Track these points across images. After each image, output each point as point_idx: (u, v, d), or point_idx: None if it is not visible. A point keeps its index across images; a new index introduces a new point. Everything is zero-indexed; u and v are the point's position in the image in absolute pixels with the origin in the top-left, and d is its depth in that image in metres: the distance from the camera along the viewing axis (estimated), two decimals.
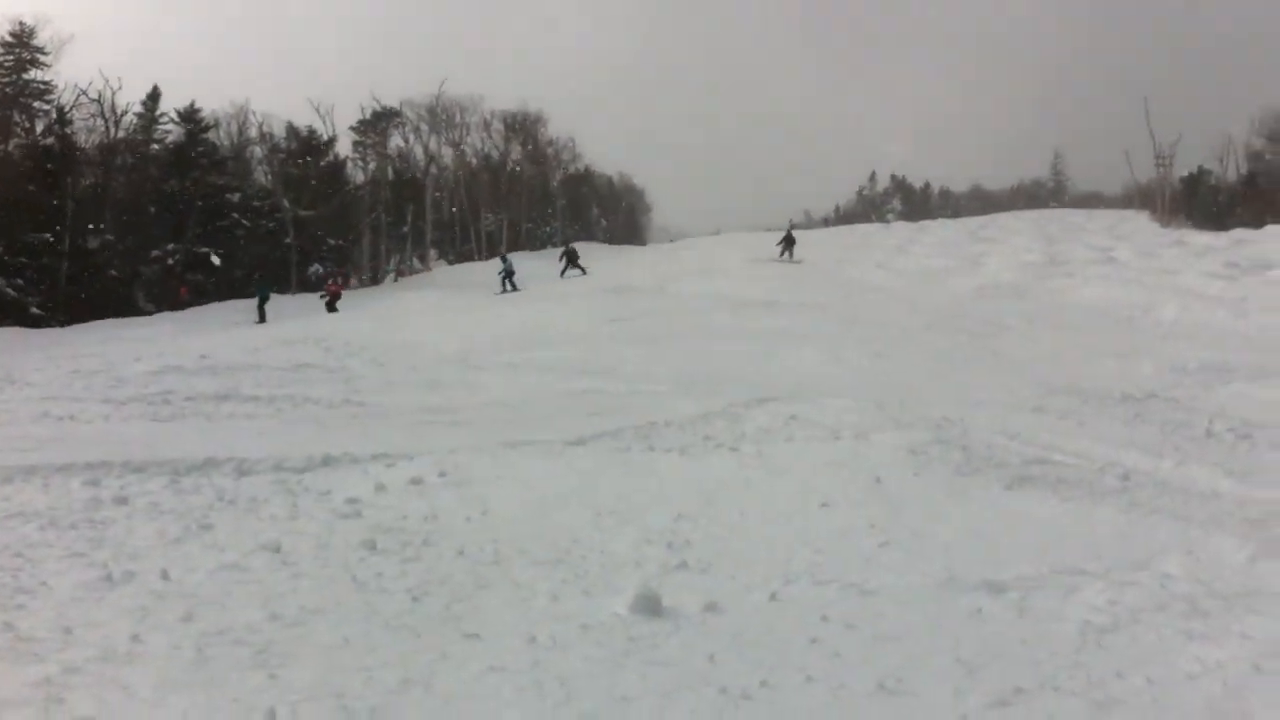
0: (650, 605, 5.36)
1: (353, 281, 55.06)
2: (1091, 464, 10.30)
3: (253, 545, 6.45)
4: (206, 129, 51.65)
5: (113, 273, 43.37)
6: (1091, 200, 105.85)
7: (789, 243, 47.47)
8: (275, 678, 4.33)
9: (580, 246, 58.16)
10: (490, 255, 62.65)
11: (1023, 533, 7.10)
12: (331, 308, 36.42)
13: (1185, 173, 73.98)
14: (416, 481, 8.69)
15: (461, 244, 69.41)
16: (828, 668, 4.62)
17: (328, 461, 9.39)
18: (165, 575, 5.66)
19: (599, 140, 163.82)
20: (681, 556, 6.58)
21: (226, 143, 56.23)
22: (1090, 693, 4.34)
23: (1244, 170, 69.68)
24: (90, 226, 44.16)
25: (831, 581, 5.98)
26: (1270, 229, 50.48)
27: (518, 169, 77.16)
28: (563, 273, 44.38)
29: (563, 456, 10.05)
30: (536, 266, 46.35)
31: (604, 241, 79.05)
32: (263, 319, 34.50)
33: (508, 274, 40.13)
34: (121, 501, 7.51)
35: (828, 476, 9.01)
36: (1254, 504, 8.50)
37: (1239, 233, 51.39)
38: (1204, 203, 68.96)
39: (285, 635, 4.87)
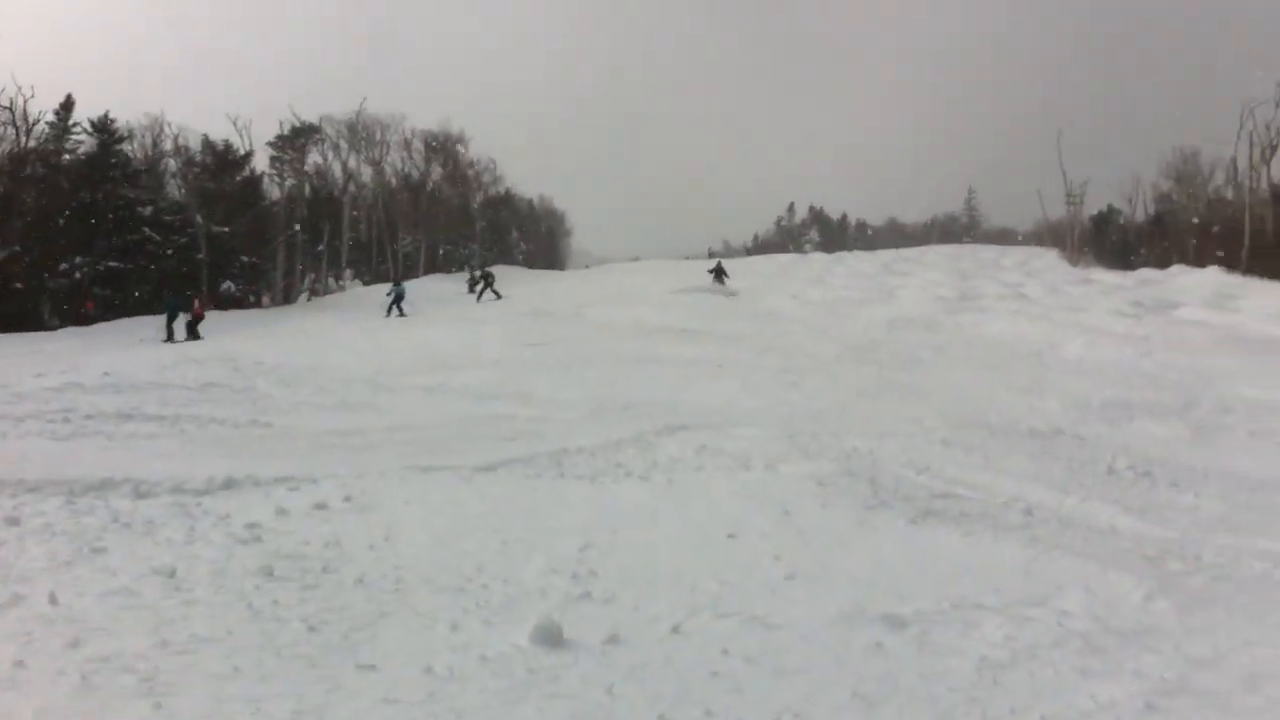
0: (551, 636, 5.30)
1: (265, 300, 54.31)
2: (996, 499, 10.43)
3: (146, 570, 6.27)
4: (120, 140, 50.69)
5: (18, 285, 42.30)
6: (1004, 236, 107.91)
7: (719, 273, 47.55)
8: (160, 707, 4.20)
9: (499, 270, 57.96)
10: (409, 276, 62.27)
11: (926, 567, 7.14)
12: (193, 331, 34.60)
13: (1095, 211, 75.69)
14: (320, 506, 8.53)
15: (378, 264, 68.78)
16: (727, 702, 4.59)
17: (229, 484, 9.21)
18: (53, 599, 5.48)
19: (520, 163, 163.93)
20: (586, 587, 6.53)
21: (140, 155, 55.23)
22: None
23: (1151, 211, 71.38)
24: None
25: (735, 614, 5.96)
26: (1175, 269, 51.81)
27: (438, 190, 76.75)
28: (478, 297, 44.25)
29: (471, 483, 9.95)
30: (454, 288, 46.07)
31: (523, 265, 78.86)
32: (171, 337, 33.83)
33: (397, 299, 40.14)
34: (13, 522, 7.29)
35: (736, 507, 9.02)
36: (1151, 541, 8.65)
37: (1145, 272, 52.71)
38: (1112, 242, 70.50)
39: (174, 663, 4.73)
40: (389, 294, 40.84)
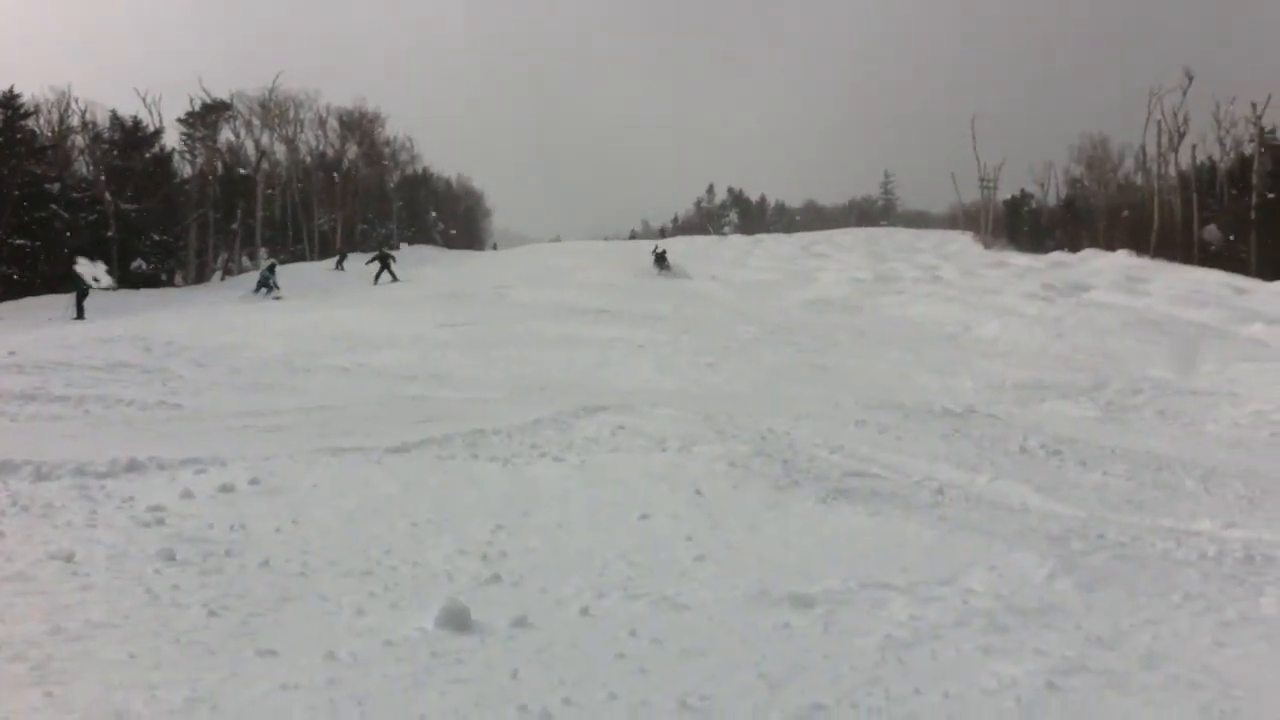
0: (457, 620, 5.24)
1: (178, 279, 53.30)
2: (908, 478, 10.55)
3: (43, 554, 6.10)
4: (25, 115, 49.25)
5: None
6: (919, 219, 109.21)
7: (662, 259, 47.06)
8: (51, 696, 4.08)
9: (419, 250, 57.46)
10: (325, 254, 61.43)
11: (835, 547, 7.18)
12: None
13: (1008, 195, 76.73)
14: (226, 489, 8.39)
15: (294, 243, 67.78)
16: (633, 684, 4.58)
17: (133, 467, 9.02)
18: None
19: (438, 143, 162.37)
20: (495, 569, 6.48)
21: (47, 131, 53.87)
22: (889, 709, 4.39)
23: (1063, 196, 72.51)
24: None
25: (644, 595, 5.95)
26: (1086, 253, 52.78)
27: (354, 168, 75.82)
28: (375, 278, 43.83)
29: (383, 464, 9.84)
30: (364, 269, 45.62)
31: (442, 245, 78.23)
32: (81, 315, 33.11)
33: (263, 281, 40.52)
34: None
35: (649, 488, 9.02)
36: (1057, 520, 8.79)
37: (1057, 256, 53.64)
38: (1025, 225, 71.57)
39: (67, 650, 4.61)
40: (261, 273, 41.96)
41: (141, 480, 8.64)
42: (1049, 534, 7.82)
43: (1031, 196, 76.61)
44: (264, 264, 46.42)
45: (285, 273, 44.43)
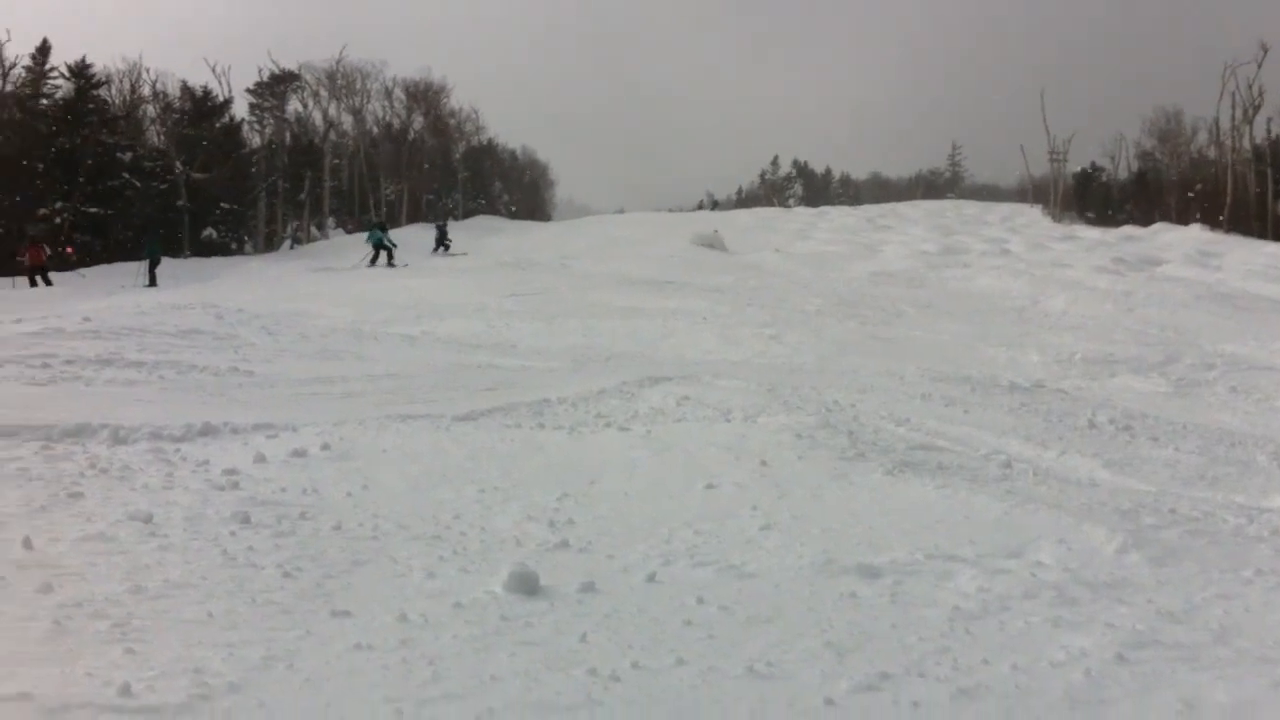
0: (526, 584, 5.31)
1: (248, 247, 53.98)
2: (975, 451, 10.48)
3: (122, 515, 6.24)
4: (98, 85, 50.04)
5: None
6: (987, 192, 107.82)
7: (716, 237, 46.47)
8: (133, 652, 4.19)
9: (483, 220, 57.68)
10: (392, 225, 61.96)
11: (901, 518, 7.16)
12: (34, 281, 32.91)
13: (1079, 169, 75.65)
14: (299, 454, 8.51)
15: (361, 213, 68.38)
16: (700, 650, 4.61)
17: (208, 431, 9.17)
18: (28, 544, 5.46)
19: (503, 114, 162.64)
20: (563, 535, 6.54)
21: (119, 100, 54.64)
22: (956, 679, 4.38)
23: (1135, 169, 71.36)
24: None
25: (711, 563, 5.98)
26: (1158, 227, 51.98)
27: (420, 139, 76.21)
28: (434, 249, 43.87)
29: (450, 431, 9.94)
30: (431, 239, 45.85)
31: (507, 216, 78.49)
32: (153, 282, 33.67)
33: (383, 246, 39.42)
34: None
35: (715, 458, 9.03)
36: (1127, 494, 8.70)
37: (1128, 229, 52.89)
38: (1095, 199, 70.54)
39: (147, 609, 4.72)
40: (371, 241, 40.45)
41: (216, 444, 8.79)
42: (1119, 508, 7.74)
43: (1102, 170, 75.53)
44: (438, 223, 46.68)
45: (353, 242, 44.80)
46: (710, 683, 4.29)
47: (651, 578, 5.68)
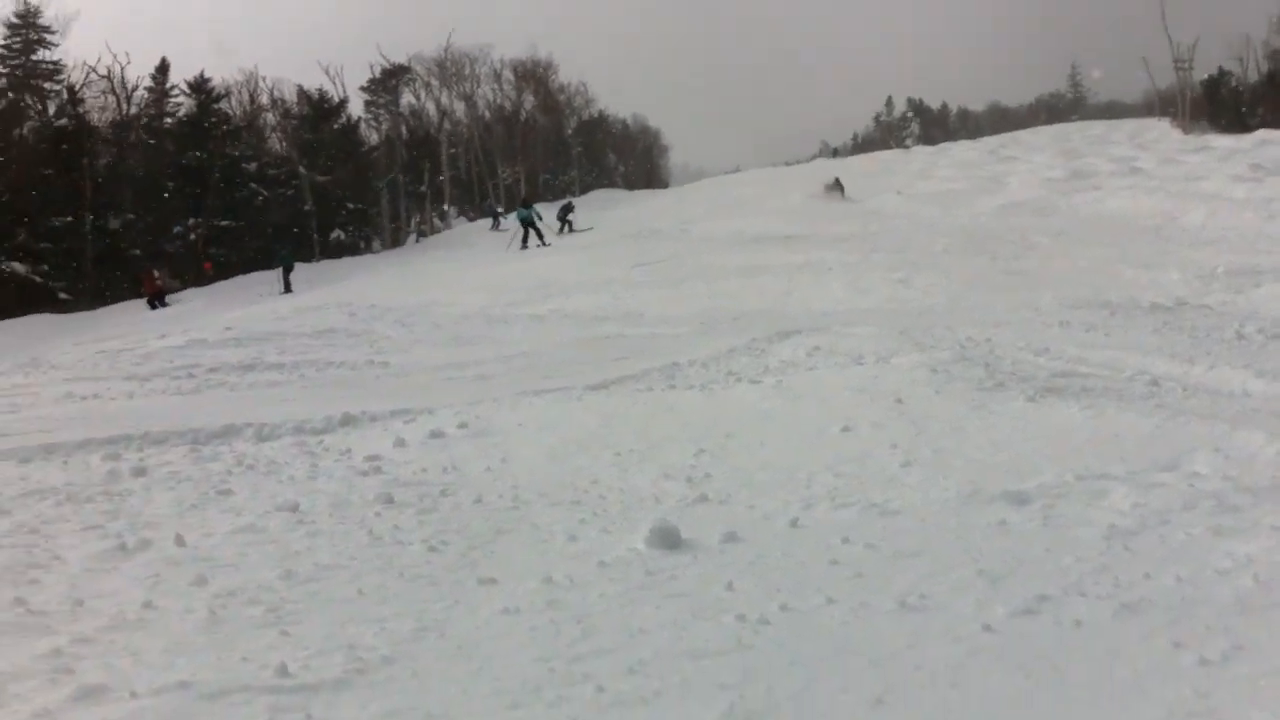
0: (668, 538, 5.29)
1: (375, 245, 54.91)
2: (1119, 373, 10.15)
3: (270, 507, 6.40)
4: (218, 99, 51.29)
5: (136, 252, 43.32)
6: (1112, 110, 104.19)
7: (837, 185, 43.82)
8: (287, 634, 4.28)
9: (600, 194, 57.78)
10: (510, 209, 62.41)
11: (1046, 443, 6.98)
12: (153, 305, 34.22)
13: (1205, 76, 72.74)
14: (436, 435, 8.64)
15: (480, 199, 69.10)
16: (848, 588, 4.54)
17: (348, 421, 9.36)
18: (180, 541, 5.61)
19: (611, 84, 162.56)
20: (701, 490, 6.52)
21: (239, 111, 55.89)
22: (1118, 595, 4.25)
23: (1264, 70, 68.37)
24: (110, 206, 44.14)
25: (853, 504, 5.90)
26: None
27: (531, 119, 76.65)
28: (560, 230, 43.71)
29: (583, 400, 9.99)
30: (550, 216, 46.08)
31: (623, 187, 78.54)
32: (288, 288, 34.45)
33: (532, 224, 38.44)
34: (140, 473, 7.47)
35: (849, 400, 8.92)
36: None
37: (1263, 134, 50.58)
38: (1226, 105, 67.80)
39: (299, 593, 4.82)
40: (559, 215, 41.82)
41: (357, 433, 8.96)
42: (1274, 412, 7.44)
43: (1231, 74, 72.33)
44: (561, 203, 47.24)
45: (475, 229, 45.26)
46: (862, 619, 4.23)
47: (794, 523, 5.63)
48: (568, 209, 45.13)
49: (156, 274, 36.60)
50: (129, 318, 30.73)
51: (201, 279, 41.42)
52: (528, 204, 39.95)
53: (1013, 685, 3.60)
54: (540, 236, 37.36)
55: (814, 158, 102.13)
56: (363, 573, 5.10)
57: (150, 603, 4.69)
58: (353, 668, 3.92)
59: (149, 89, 51.38)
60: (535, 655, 4.01)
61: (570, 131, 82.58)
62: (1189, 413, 7.55)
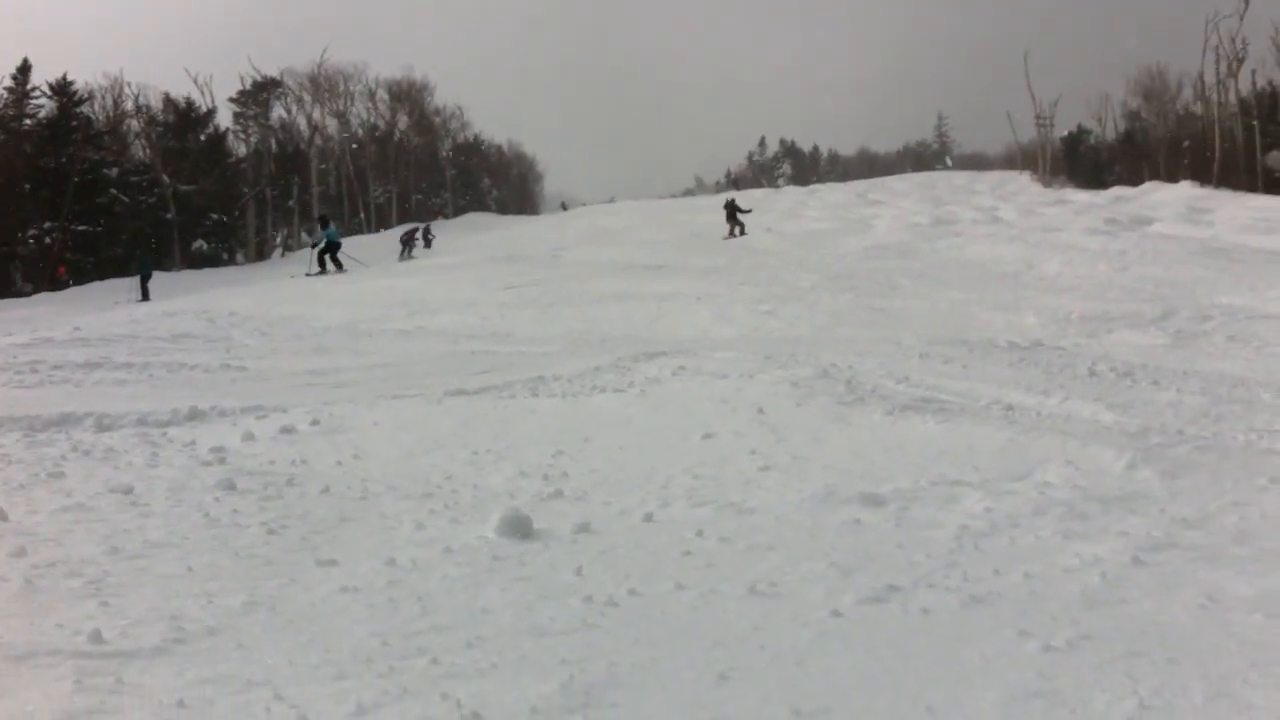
0: (519, 527, 5.15)
1: (239, 258, 53.81)
2: (976, 401, 10.29)
3: (102, 489, 6.10)
4: (80, 102, 49.92)
5: None
6: (976, 161, 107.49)
7: (734, 213, 40.29)
8: (107, 605, 4.05)
9: (472, 217, 57.50)
10: (381, 226, 61.67)
11: (903, 452, 7.02)
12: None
13: (1065, 133, 75.41)
14: (288, 430, 8.36)
15: (350, 217, 68.19)
16: (699, 576, 4.47)
17: (195, 415, 9.03)
18: (2, 516, 5.30)
19: (489, 110, 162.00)
20: (557, 487, 6.41)
21: (102, 116, 54.40)
22: (967, 588, 4.24)
23: (1122, 129, 71.14)
24: None
25: (709, 503, 5.84)
26: (1148, 186, 51.74)
27: (405, 139, 76.01)
28: (402, 256, 42.07)
29: (443, 404, 9.80)
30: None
31: (495, 211, 78.27)
32: (146, 297, 33.47)
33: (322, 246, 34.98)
34: None
35: (711, 410, 8.88)
36: (1134, 426, 8.53)
37: (1118, 190, 52.54)
38: (1084, 162, 70.32)
39: (124, 567, 4.57)
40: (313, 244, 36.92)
41: (204, 427, 8.65)
42: (1126, 432, 7.60)
43: (1089, 132, 75.24)
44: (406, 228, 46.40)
45: (343, 246, 44.62)
46: (711, 604, 4.15)
47: (649, 518, 5.55)
48: (412, 235, 44.44)
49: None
50: None
51: (56, 284, 40.04)
52: (325, 222, 36.15)
53: (859, 666, 3.55)
54: (336, 263, 33.87)
55: (687, 192, 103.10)
56: (194, 551, 4.87)
57: None
58: (173, 637, 3.71)
59: (8, 89, 49.69)
60: (370, 631, 3.84)
61: (445, 154, 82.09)
62: (1043, 428, 7.67)
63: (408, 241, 43.46)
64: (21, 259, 41.84)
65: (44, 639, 3.63)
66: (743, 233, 39.16)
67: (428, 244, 42.70)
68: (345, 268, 33.45)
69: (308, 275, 32.39)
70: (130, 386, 12.46)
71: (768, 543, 4.97)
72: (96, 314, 25.52)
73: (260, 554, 4.85)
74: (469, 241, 44.77)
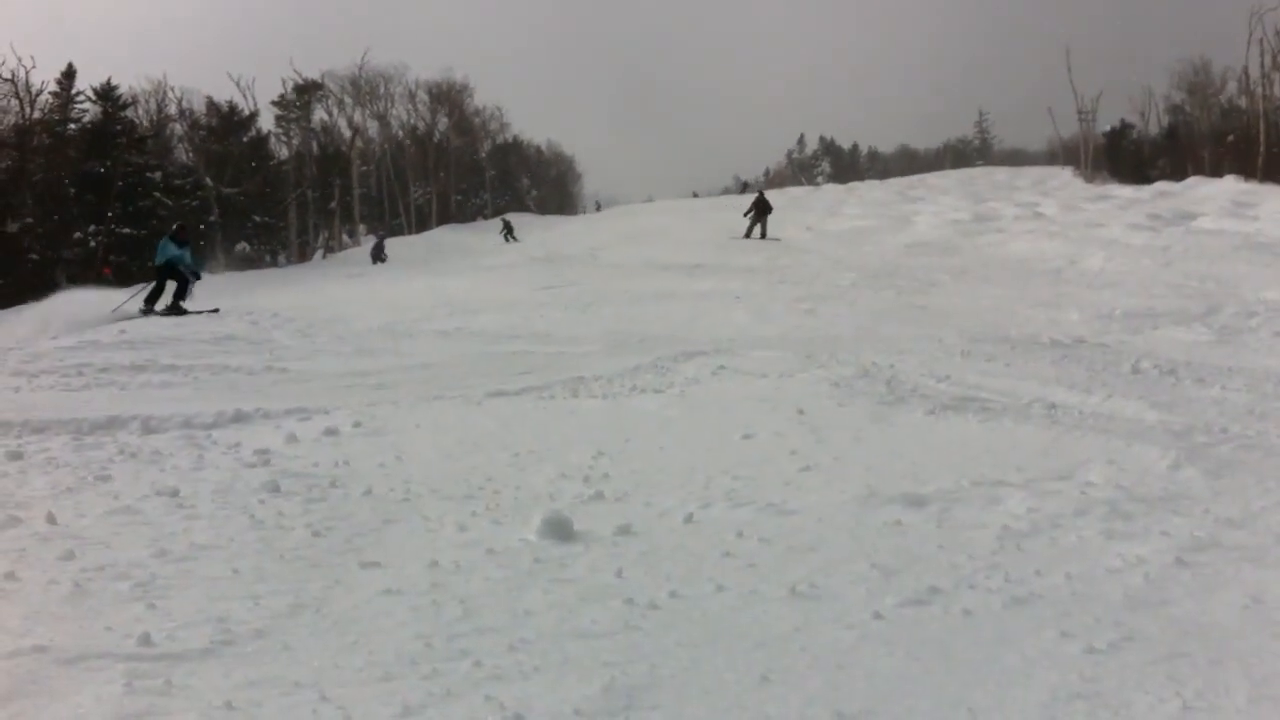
0: (560, 530, 5.18)
1: (281, 259, 54.22)
2: (1018, 399, 10.24)
3: (149, 492, 6.18)
4: (124, 107, 50.32)
5: (33, 256, 42.25)
6: (1016, 157, 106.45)
7: (761, 212, 39.01)
8: (154, 607, 4.11)
9: (512, 217, 57.68)
10: (422, 228, 61.94)
11: (945, 452, 7.00)
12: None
13: (1107, 128, 74.67)
14: (331, 432, 8.43)
15: (391, 218, 68.55)
16: (740, 578, 4.48)
17: (239, 418, 9.12)
18: (52, 519, 5.38)
19: (528, 110, 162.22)
20: (598, 488, 6.42)
21: (145, 120, 54.82)
22: (1008, 589, 4.24)
23: (1165, 124, 70.42)
24: (8, 210, 43.00)
25: (750, 504, 5.85)
26: (1191, 181, 51.19)
27: (445, 140, 76.33)
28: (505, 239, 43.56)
29: (483, 405, 9.85)
30: (461, 239, 45.92)
31: (534, 211, 78.46)
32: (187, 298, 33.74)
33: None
34: (15, 457, 7.20)
35: (750, 410, 8.88)
36: (1177, 424, 8.47)
37: (1162, 185, 52.00)
38: (1127, 157, 69.61)
39: (171, 570, 4.64)
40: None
41: (248, 429, 8.72)
42: (1170, 430, 7.54)
43: (1132, 127, 74.39)
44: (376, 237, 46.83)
45: (384, 246, 44.85)
46: (752, 605, 4.17)
47: (689, 519, 5.55)
48: (380, 247, 44.67)
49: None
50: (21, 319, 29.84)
51: (101, 285, 40.46)
52: (180, 239, 24.36)
53: (900, 668, 3.56)
54: (180, 293, 23.53)
55: (727, 190, 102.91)
56: (240, 554, 4.93)
57: (13, 574, 4.49)
58: (220, 639, 3.78)
59: (54, 94, 50.21)
60: (414, 633, 3.88)
61: (484, 155, 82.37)
62: (1085, 428, 7.63)
63: (377, 253, 43.98)
64: (66, 262, 42.22)
65: (94, 642, 3.70)
66: (763, 235, 38.07)
67: (382, 258, 42.89)
68: (185, 308, 22.94)
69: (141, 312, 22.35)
70: (175, 389, 12.58)
71: (808, 544, 4.97)
72: (140, 316, 25.85)
73: (305, 556, 4.90)
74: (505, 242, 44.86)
